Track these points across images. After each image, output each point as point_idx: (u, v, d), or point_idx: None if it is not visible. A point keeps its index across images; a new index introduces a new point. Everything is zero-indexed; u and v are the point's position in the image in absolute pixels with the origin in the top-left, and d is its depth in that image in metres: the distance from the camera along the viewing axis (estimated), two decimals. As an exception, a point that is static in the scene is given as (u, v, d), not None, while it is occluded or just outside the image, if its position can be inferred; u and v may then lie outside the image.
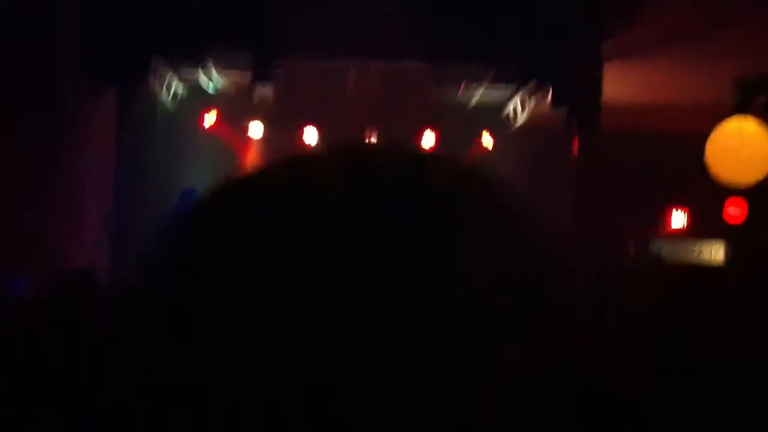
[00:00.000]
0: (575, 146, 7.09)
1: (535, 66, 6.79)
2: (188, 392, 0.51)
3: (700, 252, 8.29)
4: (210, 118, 8.01)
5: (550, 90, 6.97)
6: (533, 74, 6.96)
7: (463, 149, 7.68)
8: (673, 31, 6.46)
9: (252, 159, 8.15)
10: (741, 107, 7.07)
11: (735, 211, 7.76)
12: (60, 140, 5.92)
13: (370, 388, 0.48)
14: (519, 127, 7.93)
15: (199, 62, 7.24)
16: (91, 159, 6.53)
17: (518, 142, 7.69)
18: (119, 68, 6.54)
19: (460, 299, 0.49)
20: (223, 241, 0.52)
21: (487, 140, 8.10)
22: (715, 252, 8.17)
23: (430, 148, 7.00)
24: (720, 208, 7.74)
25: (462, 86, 7.61)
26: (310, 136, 8.03)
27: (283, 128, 7.77)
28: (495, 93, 7.70)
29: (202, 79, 7.64)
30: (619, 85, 7.08)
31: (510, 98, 7.79)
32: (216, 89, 7.83)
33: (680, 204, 8.85)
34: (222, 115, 8.03)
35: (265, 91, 7.42)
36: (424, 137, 7.74)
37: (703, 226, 8.41)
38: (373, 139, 6.95)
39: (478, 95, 7.79)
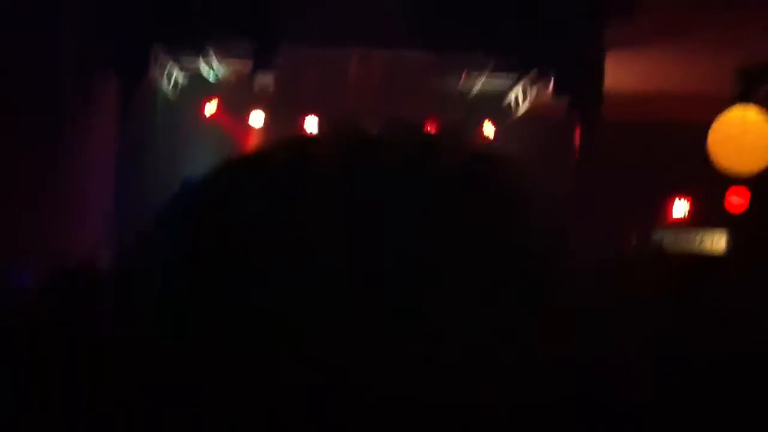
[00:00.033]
0: (577, 135, 7.08)
1: (536, 55, 6.77)
2: (188, 392, 0.50)
3: (702, 241, 8.29)
4: (211, 108, 8.01)
5: (552, 79, 6.96)
6: (535, 63, 6.95)
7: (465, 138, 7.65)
8: (675, 21, 6.44)
9: (253, 148, 8.13)
10: (744, 96, 7.05)
11: (737, 200, 7.75)
12: (60, 140, 5.92)
13: (370, 388, 0.48)
14: (520, 117, 7.92)
15: (200, 51, 7.23)
16: (92, 155, 6.53)
17: (520, 132, 7.68)
18: (120, 58, 6.53)
19: (462, 290, 0.49)
20: (222, 222, 0.51)
21: (488, 129, 8.09)
22: (717, 241, 8.17)
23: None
24: (722, 197, 7.73)
25: (463, 75, 7.59)
26: (311, 125, 8.02)
27: (284, 117, 7.76)
28: (496, 82, 7.69)
29: (203, 68, 7.63)
30: (621, 74, 7.06)
31: (512, 87, 7.77)
32: (217, 78, 7.82)
33: (682, 193, 8.85)
34: (223, 104, 8.02)
35: (266, 80, 7.41)
36: (425, 126, 7.71)
37: (705, 216, 8.40)
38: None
39: (480, 84, 7.77)
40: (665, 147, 8.02)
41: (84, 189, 6.38)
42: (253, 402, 0.49)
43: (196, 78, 7.80)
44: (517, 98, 7.88)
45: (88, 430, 0.54)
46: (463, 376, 0.48)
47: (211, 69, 7.63)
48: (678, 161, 7.81)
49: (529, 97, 7.65)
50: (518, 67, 7.17)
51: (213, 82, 7.81)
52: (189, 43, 6.99)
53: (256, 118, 8.03)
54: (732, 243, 7.99)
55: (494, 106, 7.97)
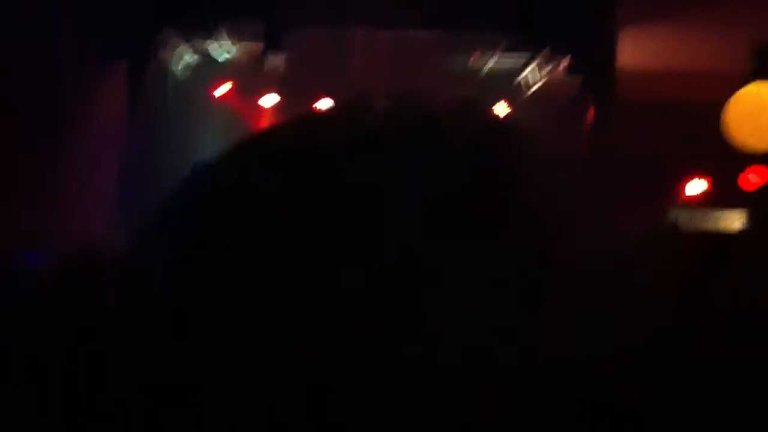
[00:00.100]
0: (590, 114, 7.05)
1: (549, 33, 6.73)
2: (188, 392, 0.50)
3: (718, 220, 8.25)
4: (222, 89, 8.00)
5: (565, 58, 6.92)
6: (547, 42, 6.91)
7: None
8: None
9: (263, 127, 8.16)
10: (759, 72, 7.01)
11: (754, 178, 7.71)
12: (60, 140, 5.95)
13: (369, 388, 0.48)
14: (533, 96, 7.88)
15: (211, 32, 7.23)
16: (95, 150, 6.55)
17: (532, 111, 7.64)
18: (130, 41, 6.54)
19: (465, 277, 0.48)
20: (233, 204, 0.52)
21: (501, 108, 8.06)
22: (733, 220, 8.13)
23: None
24: (739, 175, 7.69)
25: (476, 55, 7.57)
26: (323, 106, 8.02)
27: (295, 98, 7.76)
28: (509, 61, 7.65)
29: (214, 49, 7.63)
30: (635, 51, 7.02)
31: (524, 66, 7.74)
32: (228, 59, 7.82)
33: (698, 171, 8.80)
34: (234, 86, 8.02)
35: (277, 61, 7.42)
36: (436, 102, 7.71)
37: (721, 194, 8.36)
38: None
39: (492, 63, 7.74)
40: (680, 125, 7.97)
41: (85, 187, 6.41)
42: (254, 402, 0.49)
43: (206, 59, 7.80)
44: (529, 77, 7.84)
45: (88, 426, 0.54)
46: (463, 376, 0.48)
47: (222, 50, 7.63)
48: (693, 139, 7.76)
49: (541, 76, 7.61)
50: (530, 46, 7.14)
51: (224, 63, 7.80)
52: (199, 25, 7.00)
53: (268, 99, 8.03)
54: (749, 221, 7.95)
55: (506, 85, 7.93)
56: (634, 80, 7.01)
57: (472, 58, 7.60)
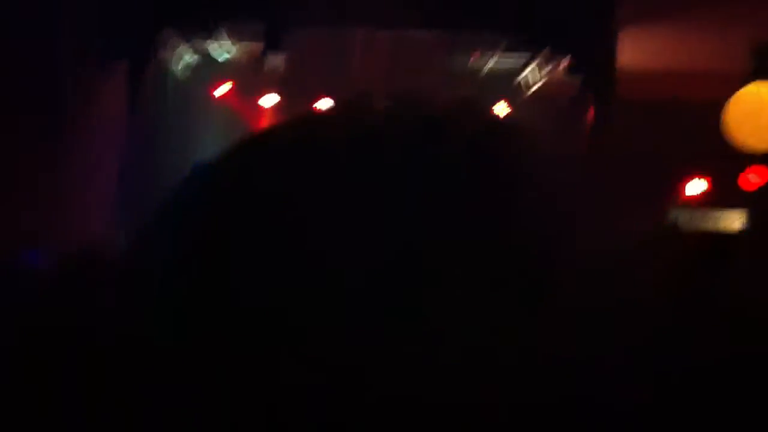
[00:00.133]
0: (591, 114, 7.05)
1: (549, 33, 6.73)
2: (188, 391, 0.50)
3: (718, 220, 8.24)
4: (222, 89, 8.00)
5: (565, 58, 6.92)
6: (547, 42, 6.91)
7: None
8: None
9: (263, 127, 8.15)
10: (759, 72, 7.01)
11: (754, 178, 7.71)
12: (60, 140, 5.95)
13: (370, 388, 0.48)
14: (533, 96, 7.88)
15: (211, 32, 7.23)
16: (95, 151, 6.55)
17: (532, 111, 7.64)
18: (130, 41, 6.54)
19: (466, 274, 0.48)
20: (234, 204, 0.52)
21: (500, 108, 8.06)
22: (733, 220, 8.12)
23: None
24: (739, 175, 7.69)
25: (475, 55, 7.57)
26: (323, 106, 8.02)
27: (295, 98, 7.76)
28: (508, 61, 7.65)
29: (214, 49, 7.63)
30: (635, 51, 7.02)
31: (524, 66, 7.74)
32: (228, 59, 7.82)
33: (698, 171, 8.79)
34: (234, 86, 8.01)
35: (277, 61, 7.42)
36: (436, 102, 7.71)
37: (721, 194, 8.36)
38: None
39: (492, 63, 7.74)
40: (680, 125, 7.97)
41: (85, 187, 6.40)
42: (254, 402, 0.48)
43: (206, 60, 7.80)
44: (529, 77, 7.84)
45: (88, 426, 0.54)
46: (463, 376, 0.48)
47: (222, 50, 7.63)
48: (693, 139, 7.76)
49: (541, 76, 7.61)
50: (530, 46, 7.14)
51: (224, 63, 7.80)
52: (199, 25, 7.00)
53: (268, 99, 8.03)
54: (749, 221, 7.95)
55: (506, 85, 7.93)
56: (634, 80, 7.01)
57: (472, 58, 7.60)
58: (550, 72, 7.40)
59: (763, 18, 6.60)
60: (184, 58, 7.74)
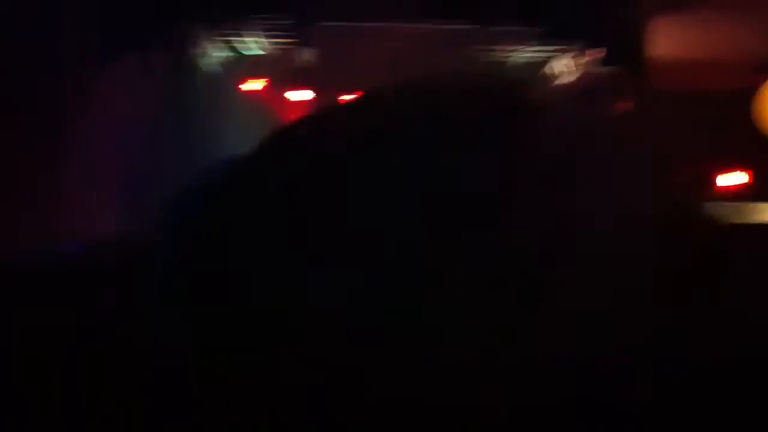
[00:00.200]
0: (622, 106, 6.99)
1: (576, 25, 6.69)
2: (188, 391, 0.50)
3: (756, 212, 8.15)
4: (252, 84, 8.03)
5: (596, 49, 6.88)
6: (575, 34, 6.87)
7: None
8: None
9: (301, 116, 8.16)
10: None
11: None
12: (60, 140, 5.98)
13: (370, 388, 0.48)
14: (562, 87, 7.83)
15: (241, 27, 7.26)
16: (100, 145, 6.58)
17: (560, 103, 7.59)
18: (161, 35, 6.57)
19: (467, 268, 0.48)
20: (271, 194, 0.52)
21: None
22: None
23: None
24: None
25: (505, 47, 7.54)
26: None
27: (326, 92, 7.77)
28: (536, 54, 7.62)
29: (244, 44, 7.66)
30: (667, 42, 6.95)
31: (553, 58, 7.70)
32: (258, 55, 7.85)
33: (734, 163, 8.69)
34: (265, 81, 8.04)
35: (308, 55, 7.43)
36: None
37: (758, 186, 8.26)
38: None
39: (522, 55, 7.71)
40: (713, 115, 7.89)
41: (85, 187, 6.43)
42: (254, 402, 0.49)
43: (237, 54, 7.83)
44: (557, 69, 7.79)
45: (88, 426, 0.54)
46: (463, 376, 0.48)
47: (253, 45, 7.65)
48: (728, 130, 7.68)
49: (569, 69, 7.56)
50: (560, 38, 7.10)
51: (254, 58, 7.83)
52: (229, 19, 7.02)
53: (298, 94, 8.04)
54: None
55: (533, 77, 7.89)
56: (666, 70, 6.94)
57: (504, 52, 7.57)
58: (581, 64, 7.36)
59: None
60: (214, 53, 7.77)
